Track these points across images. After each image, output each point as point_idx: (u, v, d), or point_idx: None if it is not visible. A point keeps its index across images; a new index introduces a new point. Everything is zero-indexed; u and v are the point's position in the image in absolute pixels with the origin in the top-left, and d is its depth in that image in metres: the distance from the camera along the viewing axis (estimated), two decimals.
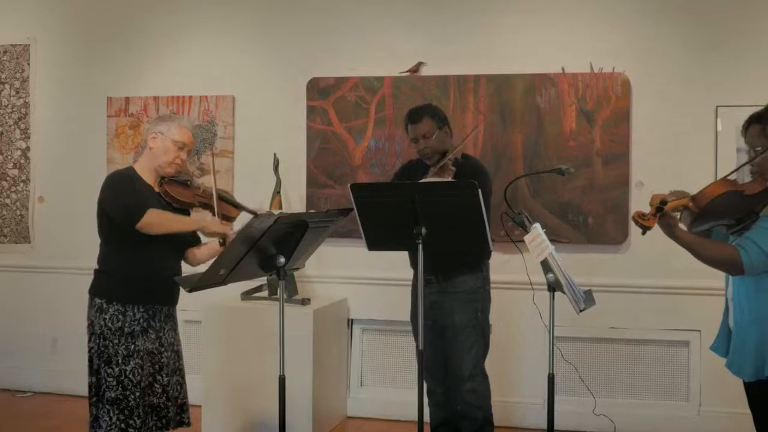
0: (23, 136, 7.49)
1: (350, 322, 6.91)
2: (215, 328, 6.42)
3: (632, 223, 6.16)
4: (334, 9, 6.90)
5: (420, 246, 4.42)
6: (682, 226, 4.04)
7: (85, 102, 7.34)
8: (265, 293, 6.62)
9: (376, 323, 6.87)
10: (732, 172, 4.11)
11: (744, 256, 3.88)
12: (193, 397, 6.65)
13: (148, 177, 4.73)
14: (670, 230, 3.96)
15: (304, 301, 6.40)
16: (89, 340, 4.63)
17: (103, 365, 4.55)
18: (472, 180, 4.45)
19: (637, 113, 6.38)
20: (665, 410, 6.40)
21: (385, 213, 4.53)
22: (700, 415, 6.34)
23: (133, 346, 4.55)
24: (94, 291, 4.68)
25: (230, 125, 7.05)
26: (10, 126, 7.51)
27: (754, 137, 4.03)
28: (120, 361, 4.54)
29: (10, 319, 7.03)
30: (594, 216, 6.38)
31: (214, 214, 4.78)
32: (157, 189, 4.73)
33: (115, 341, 4.54)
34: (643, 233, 3.96)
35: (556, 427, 4.32)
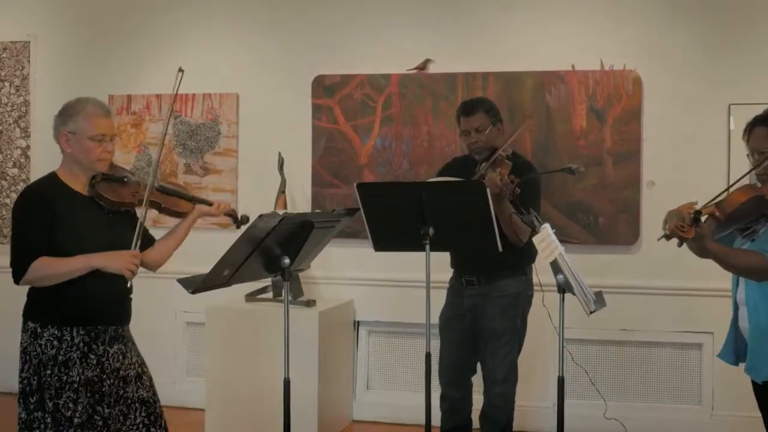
0: (23, 135, 7.43)
1: (356, 324, 6.85)
2: (219, 330, 6.37)
3: (643, 224, 6.18)
4: (340, 5, 6.84)
5: (427, 247, 4.37)
6: None
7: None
8: (269, 294, 6.55)
9: (382, 325, 6.80)
10: (743, 176, 4.05)
11: None
12: (196, 400, 6.68)
13: (75, 181, 4.13)
14: (701, 242, 3.86)
15: (310, 303, 6.34)
16: (23, 370, 4.05)
17: (44, 398, 4.01)
18: (530, 178, 4.62)
19: (649, 111, 6.31)
20: (677, 414, 6.33)
21: (391, 213, 4.48)
22: (712, 419, 6.28)
23: (66, 377, 4.01)
24: (27, 314, 4.13)
25: (234, 124, 6.98)
26: (9, 124, 7.45)
27: (759, 140, 3.95)
28: (53, 394, 3.99)
29: (10, 321, 6.95)
30: (605, 216, 6.31)
31: (159, 210, 4.33)
32: (87, 192, 4.15)
33: (48, 371, 4.00)
34: (680, 245, 3.92)
35: (566, 431, 4.25)
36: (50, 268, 3.97)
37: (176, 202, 4.40)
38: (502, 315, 5.24)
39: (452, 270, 5.43)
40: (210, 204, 4.47)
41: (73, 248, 4.03)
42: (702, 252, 3.91)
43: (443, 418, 5.53)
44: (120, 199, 4.17)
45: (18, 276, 4.00)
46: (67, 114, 4.14)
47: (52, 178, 4.16)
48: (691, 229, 3.80)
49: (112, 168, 4.25)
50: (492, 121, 5.25)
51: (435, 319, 5.28)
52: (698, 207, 3.86)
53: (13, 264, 4.02)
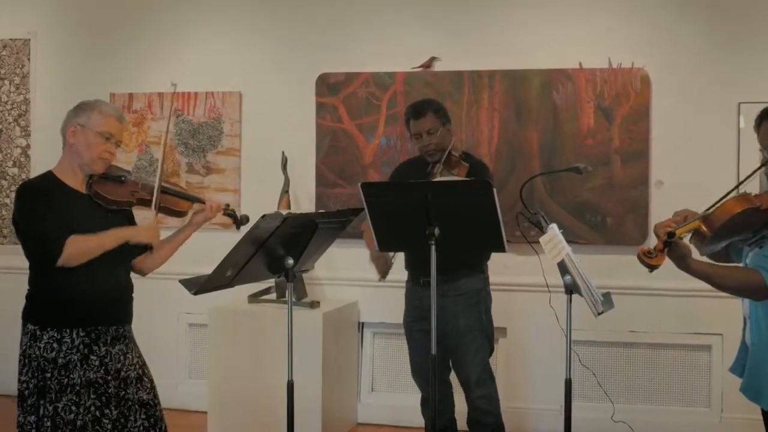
0: (23, 134, 7.38)
1: (361, 326, 6.82)
2: (221, 332, 6.33)
3: (651, 224, 6.09)
4: (344, 2, 6.80)
5: (433, 247, 4.33)
6: (694, 250, 3.71)
7: (87, 98, 7.12)
8: (272, 296, 6.52)
9: (387, 327, 6.74)
10: (745, 180, 3.82)
11: (767, 278, 3.59)
12: (198, 402, 6.63)
13: (73, 179, 4.14)
14: (682, 261, 3.60)
15: (313, 304, 6.30)
16: (22, 373, 4.03)
17: (41, 402, 3.98)
18: (487, 179, 4.45)
19: (657, 110, 6.26)
20: (686, 417, 6.29)
21: (396, 213, 4.44)
22: (722, 422, 6.23)
23: (66, 380, 3.98)
24: (26, 316, 4.12)
25: (237, 122, 6.94)
26: (9, 123, 7.40)
27: (767, 137, 3.74)
28: (53, 398, 3.96)
29: (10, 323, 6.93)
30: (612, 216, 6.26)
31: (154, 206, 4.28)
32: (84, 191, 4.16)
33: (48, 374, 3.97)
34: (651, 272, 3.62)
35: None
36: (87, 241, 3.98)
37: (175, 201, 4.39)
38: (464, 313, 5.29)
39: (407, 272, 5.42)
40: (202, 202, 4.45)
41: None
42: (686, 271, 3.65)
43: (425, 422, 5.53)
44: (117, 198, 4.18)
45: (55, 256, 3.94)
46: (81, 108, 4.19)
47: (48, 176, 4.16)
48: (661, 255, 3.55)
49: (109, 168, 4.24)
50: (442, 122, 5.31)
51: (439, 321, 5.25)
52: (675, 227, 3.59)
53: (45, 247, 3.98)
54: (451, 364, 5.48)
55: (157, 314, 6.69)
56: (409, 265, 5.42)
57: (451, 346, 5.34)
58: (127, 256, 4.27)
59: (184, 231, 4.44)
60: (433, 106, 5.36)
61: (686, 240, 3.69)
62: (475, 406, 5.37)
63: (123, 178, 4.25)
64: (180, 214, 4.44)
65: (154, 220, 4.20)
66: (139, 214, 4.41)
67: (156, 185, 4.24)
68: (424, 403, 5.52)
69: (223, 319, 6.34)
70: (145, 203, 4.26)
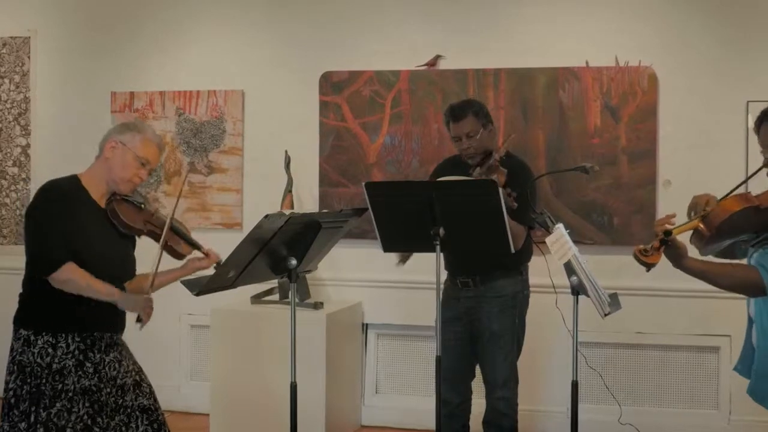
0: (23, 133, 7.34)
1: (365, 327, 6.77)
2: (224, 333, 6.30)
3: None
4: (348, 0, 6.76)
5: (437, 247, 4.31)
6: (693, 249, 3.68)
7: (87, 97, 7.19)
8: (275, 297, 6.48)
9: (391, 328, 6.73)
10: (744, 182, 3.82)
11: (765, 276, 3.54)
12: (201, 404, 6.59)
13: (96, 190, 4.13)
14: (679, 260, 3.59)
15: (317, 305, 6.26)
16: (11, 380, 3.95)
17: (33, 409, 3.96)
18: (522, 179, 4.61)
19: (665, 109, 6.21)
20: (694, 419, 6.25)
21: (401, 213, 4.42)
22: (730, 424, 6.19)
23: (60, 386, 3.93)
24: (19, 320, 4.06)
25: (240, 121, 6.90)
26: (9, 122, 7.36)
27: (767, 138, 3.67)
28: (47, 404, 3.90)
29: (10, 325, 6.91)
30: (619, 216, 6.23)
31: (161, 245, 4.22)
32: (103, 205, 4.15)
33: (42, 380, 3.92)
34: (647, 270, 3.60)
35: None
36: (82, 278, 3.94)
37: (179, 242, 4.37)
38: (499, 316, 5.21)
39: (446, 272, 5.36)
40: (201, 251, 4.40)
41: (85, 254, 4.00)
42: (682, 270, 3.63)
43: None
44: (132, 223, 4.18)
45: (51, 269, 3.92)
46: (127, 127, 4.24)
47: (74, 180, 4.16)
48: (657, 253, 3.52)
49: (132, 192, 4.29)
50: (483, 124, 5.17)
51: (471, 322, 5.26)
52: (672, 225, 3.56)
53: (42, 256, 3.96)
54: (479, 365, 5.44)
55: (158, 316, 6.50)
56: (448, 265, 5.35)
57: (480, 349, 5.30)
58: (126, 276, 4.26)
59: (175, 272, 4.41)
60: (473, 107, 5.20)
61: (686, 240, 3.65)
62: (494, 407, 5.31)
63: (142, 206, 4.28)
64: (180, 256, 4.39)
65: (157, 257, 4.14)
66: (141, 244, 4.38)
67: (167, 221, 4.20)
68: (444, 404, 5.46)
69: (226, 321, 6.31)
70: (154, 237, 4.25)
